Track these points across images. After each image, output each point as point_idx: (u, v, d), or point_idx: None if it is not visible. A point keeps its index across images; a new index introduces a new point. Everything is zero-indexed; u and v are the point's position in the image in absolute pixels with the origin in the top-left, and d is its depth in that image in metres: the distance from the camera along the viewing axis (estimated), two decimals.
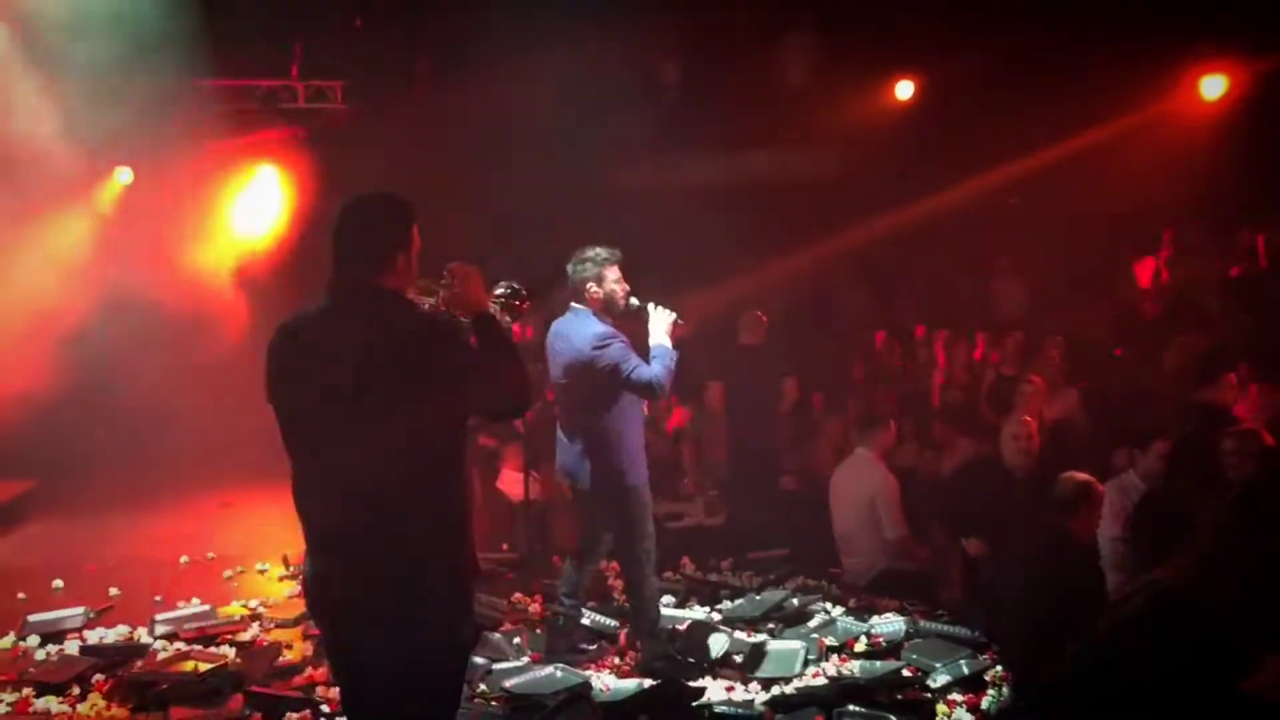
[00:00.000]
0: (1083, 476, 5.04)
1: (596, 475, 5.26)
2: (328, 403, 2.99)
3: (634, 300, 5.27)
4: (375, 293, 3.09)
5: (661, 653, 5.37)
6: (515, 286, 4.17)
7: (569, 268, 5.25)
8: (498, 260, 5.29)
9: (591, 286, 5.19)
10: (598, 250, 5.22)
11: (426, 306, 3.45)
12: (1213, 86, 10.73)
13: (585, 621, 5.88)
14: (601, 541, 5.55)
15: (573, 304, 5.30)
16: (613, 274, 5.22)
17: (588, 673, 5.31)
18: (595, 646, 5.69)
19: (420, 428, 2.99)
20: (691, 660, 5.39)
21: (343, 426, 2.99)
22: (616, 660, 5.54)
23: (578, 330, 5.20)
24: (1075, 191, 11.47)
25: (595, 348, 5.10)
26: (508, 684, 5.12)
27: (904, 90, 11.52)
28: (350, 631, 3.08)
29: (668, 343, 5.19)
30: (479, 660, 5.37)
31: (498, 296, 4.06)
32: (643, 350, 5.22)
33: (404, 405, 2.96)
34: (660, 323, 5.23)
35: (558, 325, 5.34)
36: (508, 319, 4.03)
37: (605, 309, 5.23)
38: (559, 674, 5.21)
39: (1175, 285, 10.75)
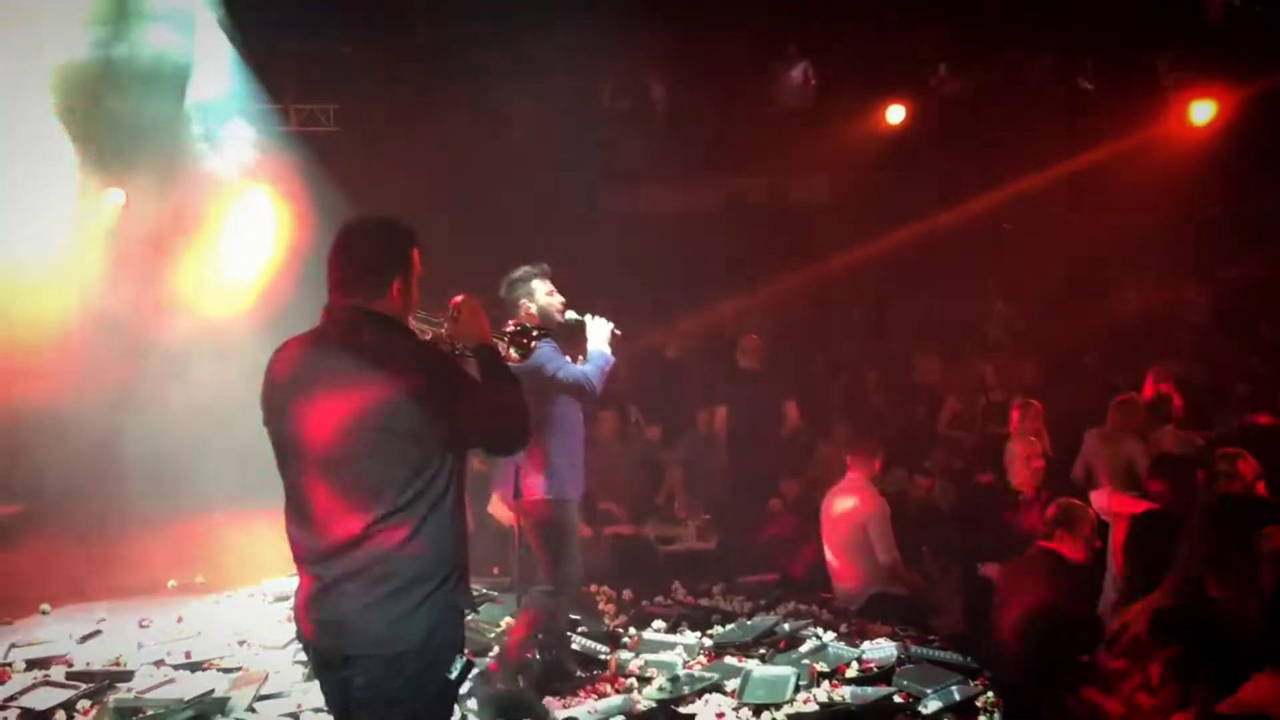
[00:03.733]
0: (1069, 500, 5.05)
1: (527, 489, 5.18)
2: (312, 428, 2.99)
3: (572, 313, 5.27)
4: (366, 317, 3.07)
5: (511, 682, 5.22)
6: (525, 325, 4.26)
7: (502, 294, 5.23)
8: (491, 284, 5.31)
9: (524, 303, 5.18)
10: (525, 268, 5.24)
11: (429, 337, 3.47)
12: (1202, 112, 10.80)
13: (574, 647, 5.85)
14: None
15: None
16: (543, 287, 5.22)
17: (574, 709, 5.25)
18: (589, 674, 5.66)
19: (408, 455, 2.96)
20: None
21: (327, 453, 2.98)
22: (607, 688, 5.51)
23: None
24: (1065, 215, 11.53)
25: None
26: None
27: (895, 115, 11.58)
28: (334, 657, 3.07)
29: (606, 350, 5.21)
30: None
31: (505, 333, 4.07)
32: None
33: (388, 433, 2.94)
34: (599, 331, 5.24)
35: None
36: (515, 354, 4.06)
37: (542, 323, 5.12)
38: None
39: (1161, 310, 10.82)
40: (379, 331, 3.05)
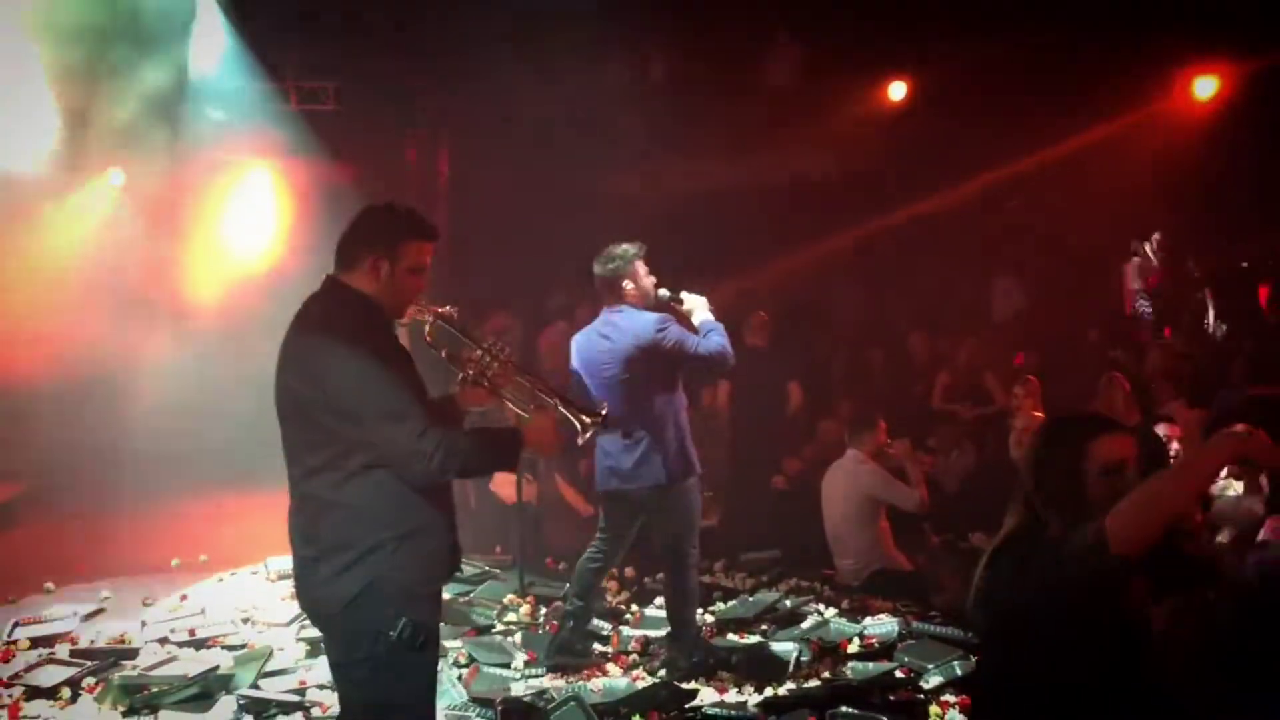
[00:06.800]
0: None
1: (671, 469, 5.19)
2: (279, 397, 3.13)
3: (664, 291, 5.29)
4: (331, 286, 3.16)
5: (692, 654, 5.32)
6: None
7: (596, 268, 5.23)
8: (488, 262, 5.29)
9: (627, 283, 5.19)
10: (625, 247, 5.22)
11: (477, 359, 3.46)
12: (1205, 87, 10.76)
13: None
14: (625, 546, 5.54)
15: (609, 303, 5.27)
16: (643, 269, 5.25)
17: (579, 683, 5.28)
18: (592, 650, 5.69)
19: (314, 424, 3.02)
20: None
21: (284, 423, 3.12)
22: (610, 667, 5.52)
23: (630, 322, 5.16)
24: (1068, 193, 11.49)
25: (659, 330, 5.11)
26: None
27: (896, 91, 11.53)
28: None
29: (712, 318, 5.29)
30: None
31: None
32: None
33: (299, 400, 3.04)
34: (700, 304, 5.32)
35: (597, 326, 5.30)
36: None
37: (642, 302, 5.22)
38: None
39: (1163, 288, 10.80)
40: (331, 302, 3.13)
